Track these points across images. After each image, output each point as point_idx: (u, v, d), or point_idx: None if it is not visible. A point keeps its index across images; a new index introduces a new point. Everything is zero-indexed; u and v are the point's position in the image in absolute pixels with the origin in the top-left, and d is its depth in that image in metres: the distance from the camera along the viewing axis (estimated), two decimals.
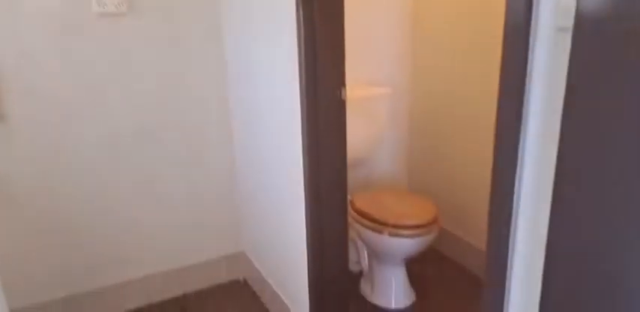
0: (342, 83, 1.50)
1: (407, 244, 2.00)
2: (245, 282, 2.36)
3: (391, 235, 1.98)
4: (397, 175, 2.69)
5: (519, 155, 0.79)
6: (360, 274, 2.31)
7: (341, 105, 1.52)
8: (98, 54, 1.85)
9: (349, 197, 2.03)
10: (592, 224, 0.66)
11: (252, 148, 2.03)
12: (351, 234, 2.13)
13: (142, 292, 2.18)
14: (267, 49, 1.72)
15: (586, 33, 0.62)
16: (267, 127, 1.85)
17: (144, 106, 1.98)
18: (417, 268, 2.35)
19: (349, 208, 2.10)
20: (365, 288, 2.24)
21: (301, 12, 1.40)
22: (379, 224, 2.01)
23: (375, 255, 2.15)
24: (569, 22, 0.64)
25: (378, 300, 2.16)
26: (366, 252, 2.23)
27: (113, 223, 2.05)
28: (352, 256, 2.23)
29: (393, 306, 2.14)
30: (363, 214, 2.08)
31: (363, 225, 2.06)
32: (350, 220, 2.06)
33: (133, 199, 2.07)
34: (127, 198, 2.05)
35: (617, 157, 0.60)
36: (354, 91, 2.16)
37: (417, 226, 1.97)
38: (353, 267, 2.27)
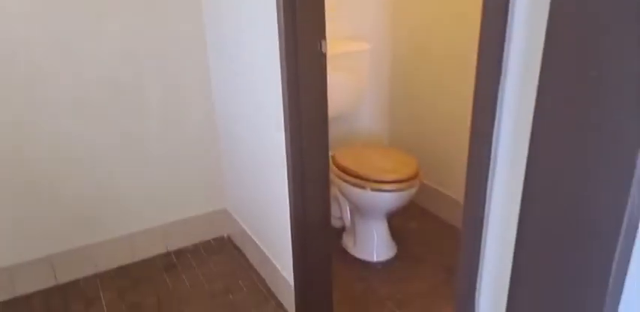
0: (322, 36, 1.46)
1: (389, 199, 2.02)
2: (229, 238, 2.39)
3: (373, 190, 2.00)
4: (378, 130, 2.69)
5: (498, 108, 0.79)
6: (342, 229, 2.34)
7: (322, 58, 1.48)
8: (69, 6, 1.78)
9: (331, 153, 2.02)
10: (569, 175, 0.66)
11: (233, 104, 2.00)
12: (333, 190, 2.14)
13: (126, 250, 2.19)
14: None
15: None
16: (247, 81, 1.81)
17: (117, 58, 1.92)
18: (399, 222, 2.39)
19: (331, 164, 2.10)
20: (347, 242, 2.28)
21: None
22: (361, 179, 2.02)
23: (357, 210, 2.18)
24: None
25: (360, 253, 2.21)
26: (348, 207, 2.25)
27: (93, 181, 2.03)
28: (334, 212, 2.25)
29: (374, 259, 2.19)
30: (345, 170, 2.08)
31: (345, 181, 2.07)
32: (332, 176, 2.07)
33: (113, 156, 2.04)
34: (105, 155, 2.02)
35: (594, 101, 0.60)
36: (335, 45, 2.12)
37: (399, 181, 1.99)
38: (335, 223, 2.30)
